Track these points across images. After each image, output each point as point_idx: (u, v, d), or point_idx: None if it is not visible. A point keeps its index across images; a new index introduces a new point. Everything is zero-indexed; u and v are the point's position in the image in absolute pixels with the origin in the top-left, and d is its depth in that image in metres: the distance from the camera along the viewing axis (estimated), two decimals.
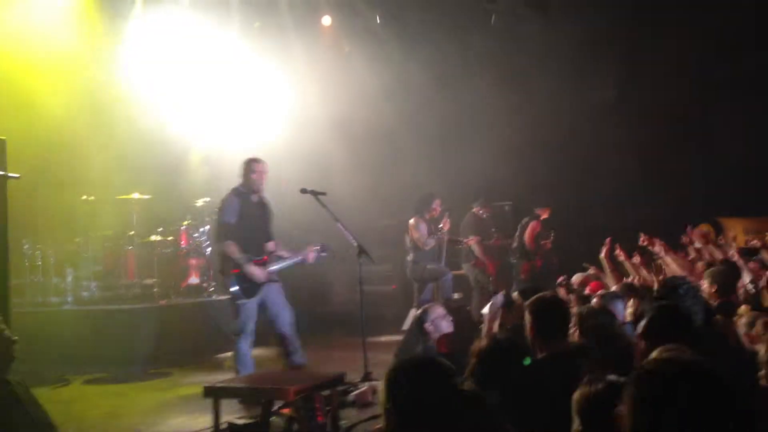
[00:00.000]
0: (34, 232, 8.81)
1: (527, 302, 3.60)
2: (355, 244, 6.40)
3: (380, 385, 5.26)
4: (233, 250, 5.90)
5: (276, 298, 6.07)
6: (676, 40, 9.36)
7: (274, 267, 6.10)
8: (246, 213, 6.03)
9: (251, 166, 6.14)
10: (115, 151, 8.86)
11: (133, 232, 9.04)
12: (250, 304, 5.90)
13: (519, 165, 10.34)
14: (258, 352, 6.18)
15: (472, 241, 9.39)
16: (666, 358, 1.92)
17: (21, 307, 7.39)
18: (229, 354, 8.36)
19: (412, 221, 8.59)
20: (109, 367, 7.16)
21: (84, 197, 9.07)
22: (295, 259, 6.26)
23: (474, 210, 9.55)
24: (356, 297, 11.00)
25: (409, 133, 11.21)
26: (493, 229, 9.78)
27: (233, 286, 5.89)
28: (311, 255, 6.32)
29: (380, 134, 11.25)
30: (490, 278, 9.51)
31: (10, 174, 4.49)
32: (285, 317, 6.07)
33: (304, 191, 6.38)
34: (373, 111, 10.88)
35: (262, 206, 6.25)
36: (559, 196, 9.74)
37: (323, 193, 6.43)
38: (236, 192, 6.12)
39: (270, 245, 6.22)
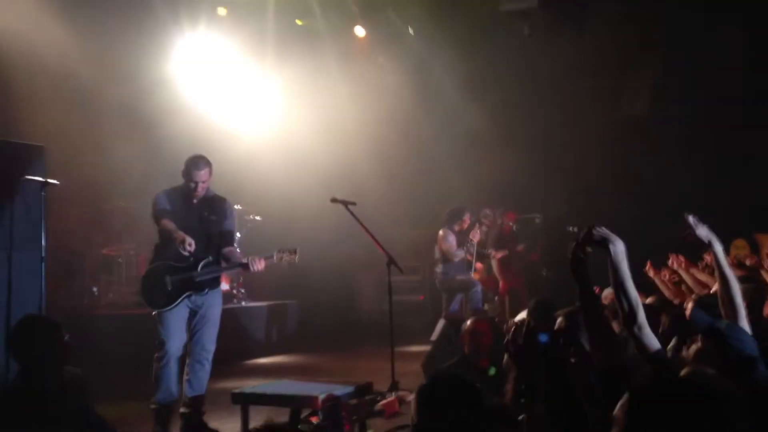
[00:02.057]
0: (70, 237, 8.99)
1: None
2: (385, 254, 6.39)
3: (410, 397, 5.27)
4: (168, 224, 5.04)
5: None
6: (708, 54, 9.27)
7: (203, 277, 5.10)
8: (177, 215, 5.11)
9: (189, 171, 5.14)
10: (151, 157, 9.01)
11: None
12: (167, 319, 5.02)
13: (550, 176, 10.29)
14: (283, 359, 6.14)
15: (498, 255, 9.38)
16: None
17: (56, 312, 7.53)
18: (260, 360, 8.49)
19: (441, 233, 8.59)
20: (139, 372, 7.25)
21: (120, 203, 9.25)
22: (230, 270, 5.43)
23: (498, 222, 9.54)
24: (384, 307, 11.12)
25: (440, 144, 11.23)
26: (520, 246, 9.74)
27: (139, 294, 5.17)
28: (255, 264, 5.10)
29: (411, 144, 11.30)
30: (495, 297, 9.52)
31: (50, 180, 4.59)
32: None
33: (334, 200, 6.40)
34: (404, 121, 10.94)
35: (206, 206, 5.23)
36: (591, 209, 9.66)
37: (353, 203, 6.45)
38: (168, 191, 5.25)
39: (225, 252, 5.24)
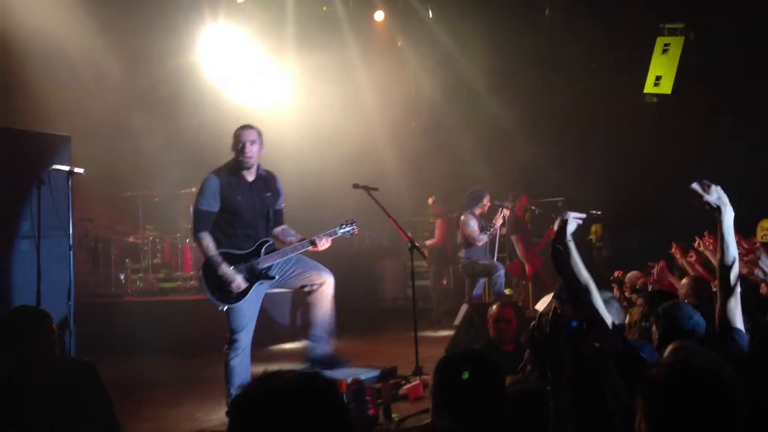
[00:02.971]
0: (97, 225, 9.13)
1: None
2: (408, 240, 6.38)
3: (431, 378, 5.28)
4: (208, 244, 4.80)
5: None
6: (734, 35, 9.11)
7: (267, 262, 4.88)
8: (233, 196, 4.85)
9: (235, 135, 4.91)
10: (177, 146, 9.09)
11: (191, 226, 9.27)
12: (238, 308, 4.82)
13: (573, 160, 10.22)
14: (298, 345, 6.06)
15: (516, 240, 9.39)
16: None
17: (83, 298, 7.65)
18: (285, 345, 8.56)
19: (462, 217, 8.56)
20: (166, 357, 7.36)
21: (144, 191, 9.36)
22: (296, 251, 4.95)
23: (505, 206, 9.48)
24: (407, 292, 11.16)
25: (461, 127, 11.19)
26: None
27: (205, 290, 4.84)
28: (321, 241, 4.90)
29: (432, 128, 11.27)
30: (521, 281, 9.49)
31: (75, 169, 4.65)
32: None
33: (356, 186, 6.36)
34: (424, 104, 10.90)
35: (261, 185, 4.99)
36: (615, 191, 9.59)
37: (375, 189, 6.42)
38: (218, 172, 4.92)
39: (278, 231, 5.06)
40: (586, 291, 2.81)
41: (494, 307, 5.02)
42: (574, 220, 2.90)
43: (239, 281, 4.71)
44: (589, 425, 2.54)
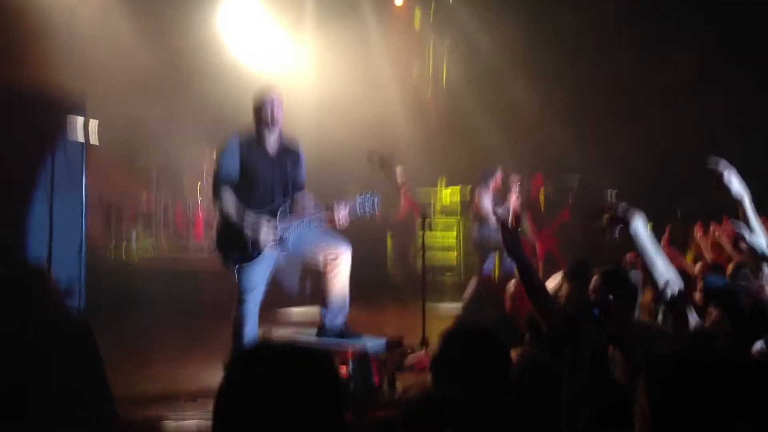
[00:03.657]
0: (110, 190, 9.19)
1: None
2: (419, 213, 6.37)
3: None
4: (228, 201, 4.71)
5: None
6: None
7: (284, 231, 4.78)
8: (253, 164, 4.74)
9: (259, 99, 4.76)
10: (195, 116, 9.11)
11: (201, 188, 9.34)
12: (249, 269, 4.75)
13: (592, 142, 10.11)
14: (315, 311, 6.00)
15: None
16: None
17: (95, 259, 7.72)
18: (292, 310, 8.61)
19: (476, 193, 8.53)
20: (173, 321, 7.44)
21: (160, 159, 9.41)
22: (312, 219, 4.83)
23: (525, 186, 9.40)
24: (417, 263, 11.18)
25: (478, 107, 11.12)
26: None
27: (217, 250, 4.78)
28: (340, 213, 4.73)
29: (449, 107, 11.20)
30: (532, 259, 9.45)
31: (91, 140, 4.67)
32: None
33: (370, 159, 6.34)
34: (443, 84, 10.83)
35: (283, 155, 4.88)
36: (636, 172, 9.49)
37: (389, 160, 6.40)
38: (240, 137, 4.80)
39: (297, 197, 4.93)
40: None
41: (512, 283, 4.99)
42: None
43: (266, 229, 4.64)
44: (600, 415, 2.52)
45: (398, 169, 10.32)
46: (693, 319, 2.82)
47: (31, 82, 5.24)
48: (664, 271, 2.76)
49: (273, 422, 1.40)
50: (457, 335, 2.42)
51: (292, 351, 1.51)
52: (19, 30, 7.56)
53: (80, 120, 4.96)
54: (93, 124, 4.87)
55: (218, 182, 4.71)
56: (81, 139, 4.65)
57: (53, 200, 4.62)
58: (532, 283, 2.94)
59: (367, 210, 4.84)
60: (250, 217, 4.67)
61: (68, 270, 4.61)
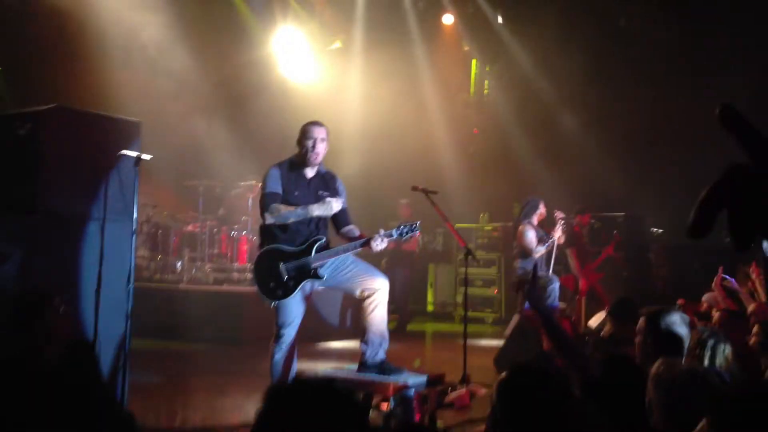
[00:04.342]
0: (158, 211, 9.36)
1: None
2: (462, 245, 6.31)
3: (481, 391, 5.18)
4: (282, 210, 4.69)
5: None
6: None
7: (318, 261, 4.74)
8: (291, 190, 4.77)
9: (305, 130, 4.84)
10: (242, 139, 9.24)
11: (246, 218, 9.42)
12: (286, 302, 4.73)
13: (639, 176, 9.96)
14: (355, 345, 6.00)
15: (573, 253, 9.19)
16: None
17: (140, 282, 7.84)
18: (332, 344, 8.60)
19: (520, 227, 8.43)
20: (216, 347, 7.48)
21: (206, 181, 9.54)
22: (348, 250, 4.80)
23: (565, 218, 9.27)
24: (458, 298, 11.10)
25: (524, 136, 11.06)
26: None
27: (255, 284, 4.79)
28: (375, 242, 4.69)
29: (494, 136, 11.16)
30: (575, 296, 9.29)
31: (143, 155, 4.75)
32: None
33: (415, 189, 6.30)
34: (489, 112, 10.81)
35: (320, 184, 4.89)
36: (681, 210, 9.30)
37: (435, 192, 6.36)
38: (280, 165, 4.86)
39: (345, 231, 4.95)
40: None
41: None
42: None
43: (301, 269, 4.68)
44: None
45: (403, 201, 10.32)
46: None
47: (88, 104, 5.40)
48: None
49: None
50: (517, 377, 2.36)
51: (323, 391, 1.55)
52: (78, 54, 7.84)
53: (136, 140, 5.07)
54: (147, 147, 4.96)
55: (267, 204, 4.74)
56: (134, 163, 4.74)
57: (105, 224, 4.69)
58: (557, 337, 2.87)
59: (407, 235, 4.86)
60: (288, 250, 4.71)
61: (115, 298, 4.66)
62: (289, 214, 4.70)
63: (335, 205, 4.66)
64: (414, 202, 6.61)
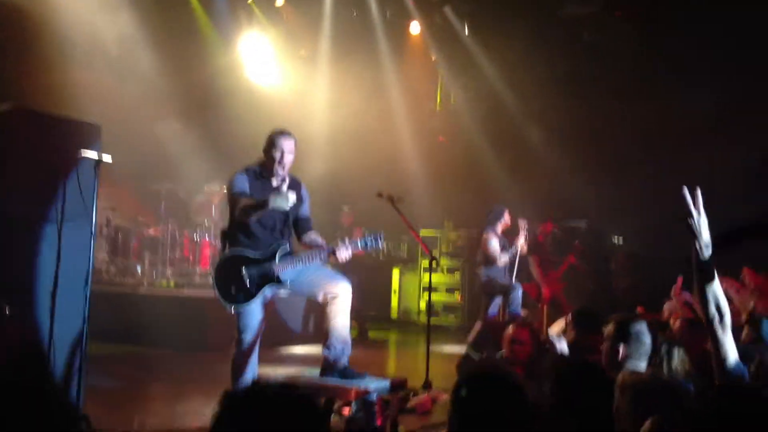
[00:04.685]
0: (120, 215, 9.21)
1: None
2: (426, 252, 6.34)
3: (443, 396, 5.19)
4: (246, 201, 4.67)
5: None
6: None
7: (282, 268, 4.73)
8: (257, 195, 4.71)
9: (273, 141, 4.78)
10: (205, 144, 9.16)
11: (209, 222, 9.34)
12: (247, 308, 4.72)
13: (601, 184, 10.10)
14: (317, 350, 5.97)
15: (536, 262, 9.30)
16: None
17: (99, 285, 7.69)
18: (294, 349, 8.56)
19: (484, 235, 8.51)
20: (176, 352, 7.37)
21: (168, 185, 9.44)
22: (313, 258, 4.80)
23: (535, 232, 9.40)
24: (420, 305, 11.13)
25: (488, 145, 11.17)
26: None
27: (215, 290, 4.75)
28: (340, 252, 4.72)
29: (459, 145, 11.25)
30: (538, 304, 9.40)
31: (104, 158, 4.66)
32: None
33: (380, 196, 6.32)
34: (453, 120, 10.89)
35: (285, 191, 4.71)
36: (637, 219, 9.46)
37: (400, 199, 6.39)
38: (246, 171, 4.82)
39: (306, 239, 4.94)
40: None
41: (510, 327, 4.97)
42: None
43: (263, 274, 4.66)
44: None
45: (345, 208, 10.33)
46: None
47: (48, 105, 5.30)
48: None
49: None
50: (475, 383, 2.36)
51: (280, 395, 1.55)
52: (37, 54, 7.69)
53: (96, 143, 4.98)
54: (107, 149, 4.88)
55: (235, 199, 4.71)
56: (94, 165, 4.66)
57: (62, 226, 4.60)
58: None
59: (371, 247, 4.86)
60: (249, 252, 4.69)
61: (72, 301, 4.56)
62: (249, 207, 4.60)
63: (291, 197, 4.54)
64: (375, 208, 6.61)
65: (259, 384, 1.57)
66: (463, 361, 6.65)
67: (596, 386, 2.74)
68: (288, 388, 1.57)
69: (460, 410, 2.29)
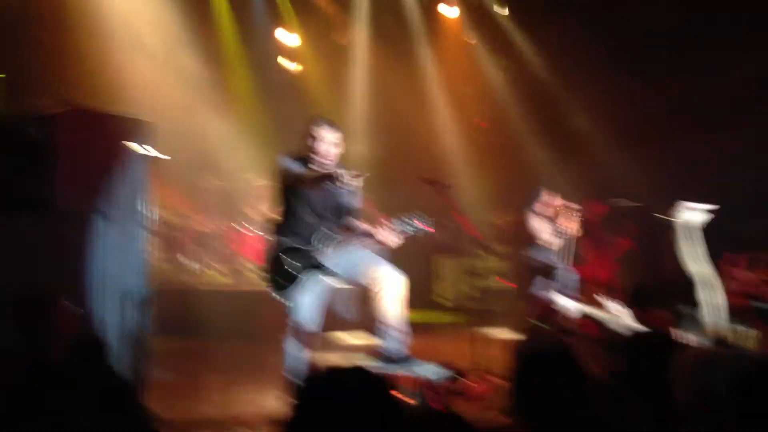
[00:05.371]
0: (170, 213, 9.36)
1: None
2: (479, 238, 6.22)
3: (496, 382, 5.15)
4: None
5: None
6: None
7: (328, 255, 4.74)
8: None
9: (317, 133, 4.73)
10: (249, 137, 9.24)
11: (257, 216, 9.42)
12: (299, 302, 4.73)
13: (648, 166, 9.89)
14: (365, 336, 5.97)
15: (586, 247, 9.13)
16: None
17: (154, 283, 7.82)
18: (346, 337, 8.59)
19: (524, 217, 8.42)
20: (233, 344, 7.46)
21: (216, 181, 9.55)
22: (357, 241, 4.80)
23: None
24: (467, 291, 11.05)
25: (529, 128, 11.03)
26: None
27: (266, 280, 4.81)
28: (385, 234, 4.71)
29: (504, 128, 11.13)
30: (593, 287, 9.21)
31: (159, 155, 4.75)
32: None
33: (425, 181, 6.17)
34: (496, 104, 10.78)
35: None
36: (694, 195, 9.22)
37: (449, 185, 6.27)
38: (291, 157, 4.77)
39: (351, 223, 4.88)
40: None
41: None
42: None
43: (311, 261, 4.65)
44: None
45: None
46: None
47: (97, 103, 5.42)
48: None
49: None
50: (532, 359, 2.34)
51: (356, 378, 1.61)
52: (90, 54, 7.85)
53: (149, 140, 5.07)
54: (156, 145, 4.96)
55: (290, 176, 4.66)
56: (147, 161, 4.75)
57: (118, 222, 4.70)
58: None
59: (419, 231, 4.80)
60: (297, 242, 4.69)
61: (130, 296, 4.67)
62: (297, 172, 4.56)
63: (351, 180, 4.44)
64: (422, 192, 6.52)
65: (336, 369, 1.57)
66: (520, 345, 6.59)
67: (662, 355, 2.69)
68: (365, 373, 1.57)
69: (523, 389, 2.28)
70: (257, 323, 7.85)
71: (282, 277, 4.71)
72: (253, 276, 9.06)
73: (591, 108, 10.58)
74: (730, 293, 5.40)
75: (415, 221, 4.77)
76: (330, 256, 4.74)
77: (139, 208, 4.88)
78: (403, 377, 4.56)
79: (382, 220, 4.77)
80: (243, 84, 9.86)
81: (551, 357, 2.37)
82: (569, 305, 4.47)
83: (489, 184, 11.02)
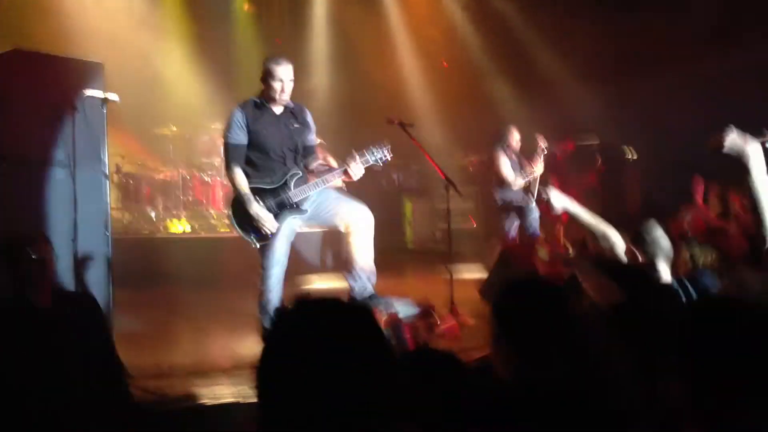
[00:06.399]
0: (128, 162, 9.10)
1: None
2: (444, 178, 6.20)
3: (470, 321, 5.14)
4: (239, 180, 4.72)
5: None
6: None
7: (298, 195, 4.75)
8: (260, 129, 4.72)
9: (271, 70, 4.70)
10: (207, 81, 8.98)
11: (219, 162, 9.22)
12: (271, 246, 4.71)
13: (614, 105, 9.88)
14: (338, 281, 5.95)
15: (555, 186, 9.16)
16: None
17: (115, 234, 7.64)
18: (316, 280, 8.55)
19: (492, 156, 8.39)
20: (199, 292, 7.37)
21: (174, 128, 9.28)
22: (327, 180, 4.77)
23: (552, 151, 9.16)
24: (436, 234, 11.08)
25: (497, 69, 10.93)
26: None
27: (235, 228, 4.75)
28: (353, 169, 4.72)
29: (466, 69, 11.00)
30: (555, 225, 9.28)
31: (110, 96, 4.53)
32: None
33: (390, 122, 6.14)
34: (461, 47, 10.62)
35: (289, 117, 4.84)
36: (655, 137, 9.28)
37: (411, 125, 6.21)
38: (244, 105, 4.80)
39: (313, 167, 4.95)
40: None
41: (544, 249, 4.93)
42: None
43: (271, 222, 4.66)
44: None
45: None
46: None
47: (49, 49, 5.16)
48: None
49: (321, 375, 1.34)
50: (511, 289, 2.29)
51: (335, 304, 1.46)
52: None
53: (99, 82, 4.86)
54: (111, 91, 4.74)
55: (229, 161, 4.75)
56: (100, 105, 4.53)
57: (75, 169, 4.50)
58: None
59: (380, 158, 4.82)
60: (260, 204, 4.68)
61: (93, 246, 4.51)
62: (239, 194, 4.67)
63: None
64: (389, 135, 6.43)
65: (310, 297, 1.47)
66: (487, 286, 6.62)
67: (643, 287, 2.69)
68: (340, 301, 1.48)
69: (504, 322, 2.22)
70: (223, 270, 7.76)
71: (248, 220, 4.65)
72: (216, 223, 8.91)
73: (554, 45, 10.49)
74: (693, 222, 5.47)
75: (373, 150, 4.80)
76: (295, 195, 4.71)
77: (97, 154, 4.68)
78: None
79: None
80: (196, 25, 9.51)
81: (530, 286, 2.32)
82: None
83: (455, 125, 10.93)
